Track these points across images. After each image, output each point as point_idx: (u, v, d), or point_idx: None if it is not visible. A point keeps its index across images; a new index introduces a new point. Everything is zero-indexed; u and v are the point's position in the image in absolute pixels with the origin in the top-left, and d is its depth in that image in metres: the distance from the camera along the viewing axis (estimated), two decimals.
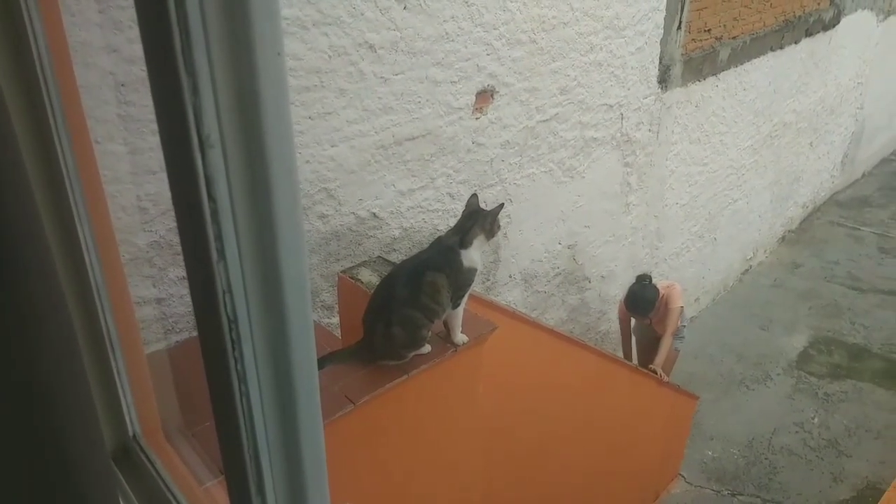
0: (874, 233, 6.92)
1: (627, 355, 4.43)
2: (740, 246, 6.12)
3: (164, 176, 0.49)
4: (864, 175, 8.12)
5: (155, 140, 0.48)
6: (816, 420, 4.67)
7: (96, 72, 1.99)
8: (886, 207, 7.41)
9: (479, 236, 1.97)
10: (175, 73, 0.41)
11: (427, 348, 1.95)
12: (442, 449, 2.20)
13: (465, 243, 1.94)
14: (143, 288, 2.27)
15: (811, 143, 6.65)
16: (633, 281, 4.06)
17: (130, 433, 1.17)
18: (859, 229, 7.00)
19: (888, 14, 7.11)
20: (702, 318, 5.73)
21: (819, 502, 4.07)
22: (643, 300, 3.94)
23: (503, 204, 2.09)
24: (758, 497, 4.14)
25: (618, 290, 4.73)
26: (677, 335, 4.22)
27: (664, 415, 4.08)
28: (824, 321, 5.65)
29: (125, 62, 2.02)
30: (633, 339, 4.48)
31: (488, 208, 2.03)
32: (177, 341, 2.34)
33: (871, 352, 5.29)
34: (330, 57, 2.52)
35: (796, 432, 4.57)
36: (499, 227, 2.03)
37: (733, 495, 4.17)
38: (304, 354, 0.53)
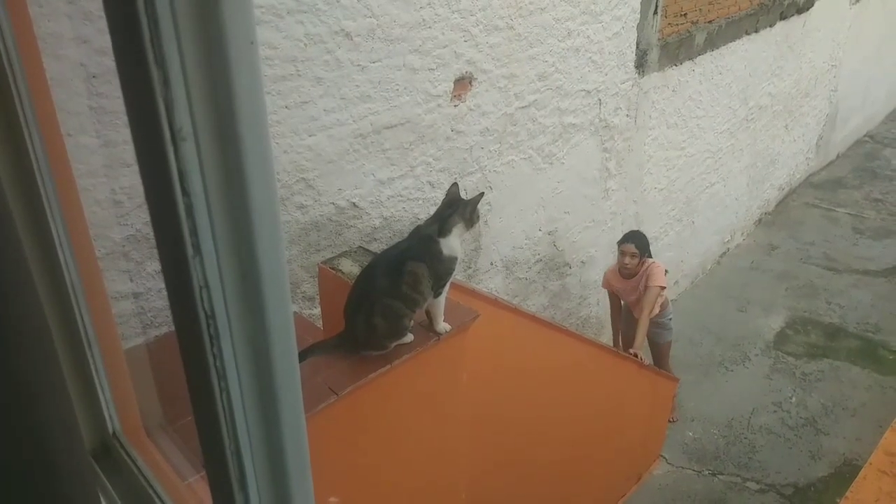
0: (849, 213, 7.02)
1: (616, 327, 4.50)
2: (718, 229, 6.18)
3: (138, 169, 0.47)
4: (838, 157, 8.23)
5: (129, 132, 0.46)
6: (794, 399, 4.75)
7: (67, 63, 1.95)
8: (860, 188, 7.51)
9: (459, 224, 1.96)
10: (144, 65, 0.40)
11: (409, 338, 1.95)
12: (427, 438, 2.21)
13: (443, 232, 1.93)
14: (120, 282, 2.24)
15: (786, 126, 6.71)
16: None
17: (110, 430, 1.16)
18: (834, 210, 7.10)
19: None
20: (681, 301, 5.78)
21: (798, 480, 4.14)
22: (638, 234, 4.12)
23: (483, 193, 2.08)
24: (738, 476, 4.21)
25: (598, 275, 4.76)
26: (665, 325, 4.28)
27: (645, 397, 4.13)
28: (801, 302, 5.73)
29: (96, 53, 1.98)
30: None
31: (468, 197, 2.02)
32: (156, 336, 2.31)
33: (846, 331, 5.38)
34: (306, 45, 2.49)
35: (775, 412, 4.64)
36: (478, 216, 2.02)
37: (714, 475, 4.23)
38: (285, 349, 0.52)
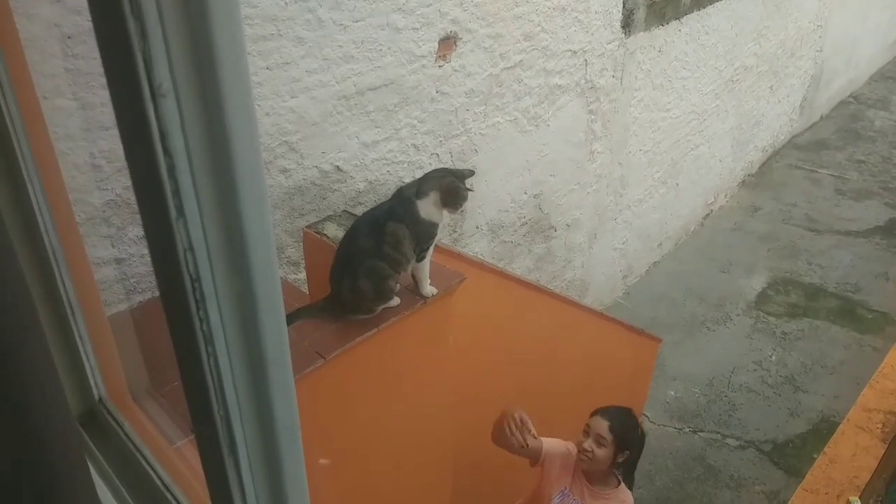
0: (831, 175, 7.06)
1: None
2: (702, 191, 6.20)
3: (117, 131, 0.46)
4: (822, 118, 8.24)
5: (107, 94, 0.45)
6: (774, 358, 4.83)
7: (40, 24, 1.90)
8: (843, 150, 7.55)
9: (435, 190, 1.92)
10: (121, 16, 0.38)
11: (396, 301, 1.95)
12: (414, 400, 2.22)
13: (420, 193, 1.92)
14: (102, 248, 2.21)
15: (771, 87, 6.70)
16: None
17: (96, 396, 1.15)
18: (817, 172, 7.14)
19: None
20: (664, 263, 5.83)
21: (776, 436, 4.24)
22: (624, 413, 2.45)
23: (474, 171, 2.05)
24: (718, 433, 4.29)
25: (583, 237, 4.77)
26: None
27: (628, 358, 4.18)
28: (782, 262, 5.80)
29: (71, 13, 1.92)
30: None
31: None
32: (140, 301, 2.29)
33: (826, 291, 5.46)
34: (287, 4, 2.43)
35: (755, 370, 4.73)
36: (464, 197, 1.94)
37: (695, 432, 4.31)
38: (273, 310, 0.51)
